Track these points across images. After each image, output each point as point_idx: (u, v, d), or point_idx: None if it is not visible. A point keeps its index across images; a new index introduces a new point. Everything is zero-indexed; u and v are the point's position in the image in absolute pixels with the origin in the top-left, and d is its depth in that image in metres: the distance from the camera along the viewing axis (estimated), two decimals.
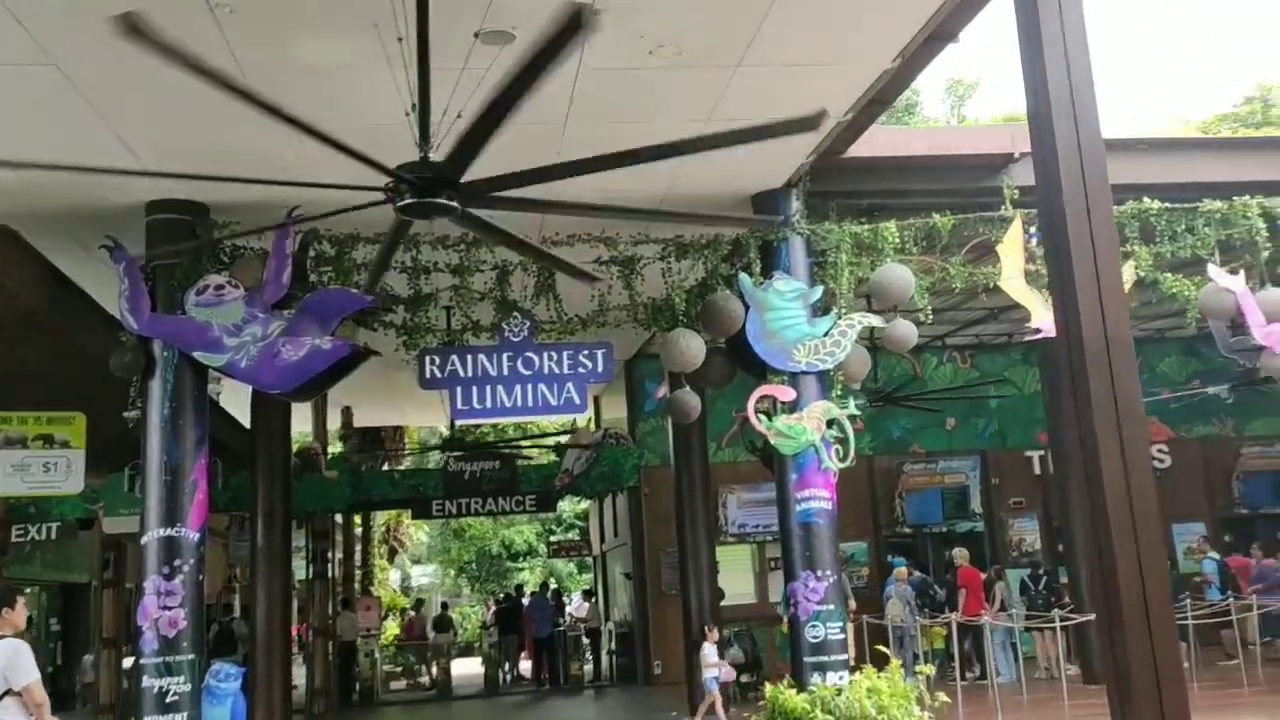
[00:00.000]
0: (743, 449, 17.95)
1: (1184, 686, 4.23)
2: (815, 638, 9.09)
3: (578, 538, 31.41)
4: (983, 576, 15.33)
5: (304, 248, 9.10)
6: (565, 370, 9.63)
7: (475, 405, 9.39)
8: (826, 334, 9.47)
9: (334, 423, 19.79)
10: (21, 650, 5.97)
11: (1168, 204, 10.19)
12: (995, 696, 11.23)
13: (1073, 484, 4.49)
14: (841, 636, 9.16)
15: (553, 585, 25.01)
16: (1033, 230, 10.35)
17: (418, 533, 37.89)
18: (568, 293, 9.63)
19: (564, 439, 18.97)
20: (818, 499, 9.26)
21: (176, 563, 8.48)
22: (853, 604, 14.17)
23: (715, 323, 9.57)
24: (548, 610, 20.11)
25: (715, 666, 11.65)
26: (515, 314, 9.61)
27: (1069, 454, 14.79)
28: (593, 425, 20.10)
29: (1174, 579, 15.98)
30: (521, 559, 39.66)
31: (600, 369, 9.69)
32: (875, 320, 9.66)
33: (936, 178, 10.12)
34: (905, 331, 9.71)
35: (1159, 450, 18.83)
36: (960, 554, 15.39)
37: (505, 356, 9.55)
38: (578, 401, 9.67)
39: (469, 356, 9.51)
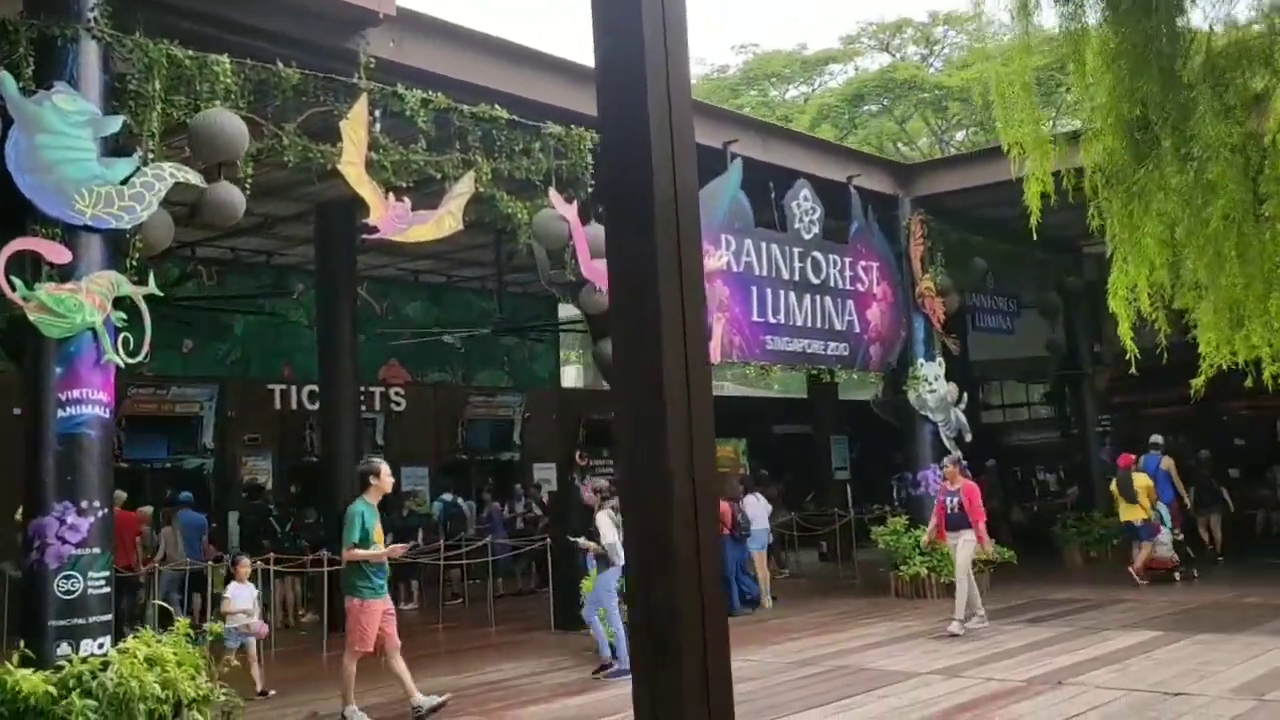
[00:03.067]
0: None
1: (726, 631, 3.19)
2: (69, 593, 6.52)
3: None
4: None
5: None
6: None
7: None
8: (125, 182, 6.94)
9: None
10: None
11: (517, 117, 9.52)
12: (259, 651, 9.51)
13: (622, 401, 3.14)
14: (107, 590, 6.71)
15: None
16: (378, 114, 8.96)
17: None
18: None
19: None
20: (92, 403, 6.70)
21: None
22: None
23: None
24: None
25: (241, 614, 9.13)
26: None
27: (336, 393, 13.62)
28: None
29: (421, 520, 15.92)
30: None
31: None
32: (193, 176, 7.34)
33: (283, 16, 8.11)
34: (232, 196, 7.58)
35: (396, 393, 18.72)
36: (118, 495, 13.22)
37: None
38: None
39: None
